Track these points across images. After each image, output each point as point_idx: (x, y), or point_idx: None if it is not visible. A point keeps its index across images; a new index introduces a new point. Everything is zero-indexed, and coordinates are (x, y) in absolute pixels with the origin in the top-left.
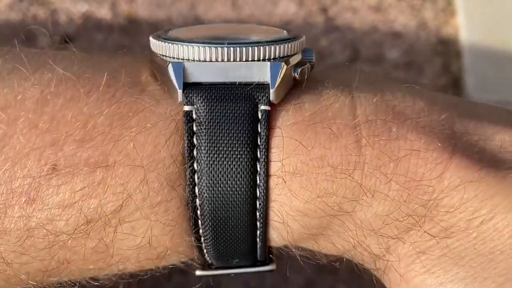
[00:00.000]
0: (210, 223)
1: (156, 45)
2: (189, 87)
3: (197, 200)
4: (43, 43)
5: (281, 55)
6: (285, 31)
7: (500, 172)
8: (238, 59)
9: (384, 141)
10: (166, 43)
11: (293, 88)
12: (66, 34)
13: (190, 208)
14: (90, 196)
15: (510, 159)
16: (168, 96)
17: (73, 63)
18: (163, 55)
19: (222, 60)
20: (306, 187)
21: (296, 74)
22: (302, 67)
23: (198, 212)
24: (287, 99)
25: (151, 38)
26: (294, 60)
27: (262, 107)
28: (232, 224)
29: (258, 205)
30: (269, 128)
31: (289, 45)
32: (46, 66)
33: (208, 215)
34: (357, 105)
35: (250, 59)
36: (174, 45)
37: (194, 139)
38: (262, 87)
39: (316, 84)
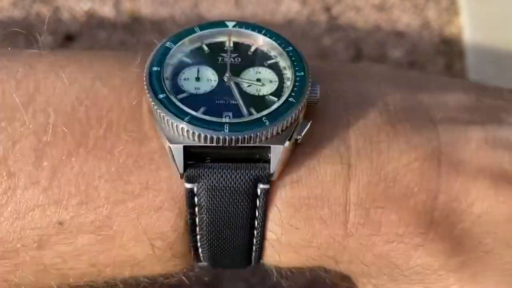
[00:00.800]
0: None
1: (157, 112)
2: (190, 167)
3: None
4: (46, 41)
5: (284, 129)
6: (288, 81)
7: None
8: (239, 144)
9: (367, 232)
10: (166, 117)
11: (293, 153)
12: (68, 32)
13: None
14: (98, 252)
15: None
16: (167, 161)
17: (67, 95)
18: (162, 125)
19: (223, 146)
20: (294, 258)
21: (299, 137)
22: (305, 129)
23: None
24: (286, 171)
25: (152, 99)
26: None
27: (262, 185)
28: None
29: (253, 257)
30: (267, 203)
31: (293, 115)
32: (40, 106)
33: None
34: (351, 183)
35: (251, 143)
36: (174, 124)
37: (196, 210)
38: (263, 165)
39: (314, 150)
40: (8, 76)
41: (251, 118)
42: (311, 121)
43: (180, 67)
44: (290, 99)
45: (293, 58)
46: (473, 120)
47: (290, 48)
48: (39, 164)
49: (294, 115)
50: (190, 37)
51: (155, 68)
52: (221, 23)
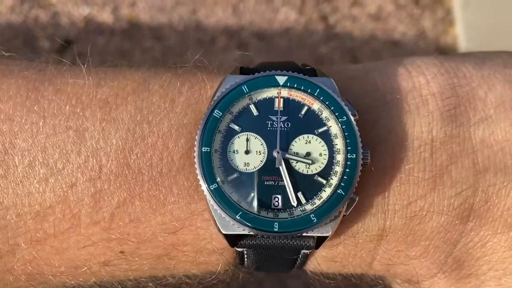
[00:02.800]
0: None
1: (208, 201)
2: (241, 238)
3: None
4: (44, 46)
5: (332, 219)
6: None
7: None
8: (286, 241)
9: (388, 270)
10: (219, 210)
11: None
12: (67, 37)
13: None
14: (156, 266)
15: None
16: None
17: (116, 139)
18: (214, 211)
19: (271, 238)
20: (332, 268)
21: (345, 213)
22: (352, 206)
23: None
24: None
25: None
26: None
27: (304, 251)
28: None
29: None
30: (307, 259)
31: (341, 210)
32: (91, 150)
33: None
34: (382, 243)
35: (298, 245)
36: (226, 218)
37: (244, 257)
38: (308, 239)
39: (356, 220)
40: (59, 112)
41: (300, 215)
42: (358, 197)
43: (229, 135)
44: (339, 190)
45: (346, 133)
46: None
47: (344, 118)
48: (98, 208)
49: (341, 209)
50: (238, 99)
51: (204, 149)
52: (271, 79)
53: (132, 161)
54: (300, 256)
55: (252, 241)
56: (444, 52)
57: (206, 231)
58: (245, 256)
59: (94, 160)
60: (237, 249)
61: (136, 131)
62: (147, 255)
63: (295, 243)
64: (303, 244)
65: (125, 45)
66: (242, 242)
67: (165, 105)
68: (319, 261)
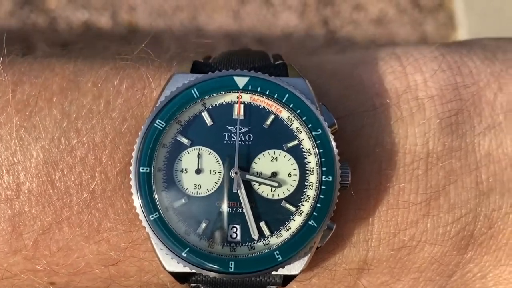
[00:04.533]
0: None
1: (150, 237)
2: (192, 275)
3: None
4: (42, 50)
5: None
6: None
7: None
8: (247, 278)
9: None
10: (160, 246)
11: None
12: (65, 42)
13: None
14: None
15: None
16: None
17: (37, 153)
18: (156, 248)
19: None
20: None
21: (319, 246)
22: (327, 237)
23: None
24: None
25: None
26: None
27: (270, 287)
28: None
29: None
30: None
31: (312, 244)
32: (6, 165)
33: None
34: (363, 276)
35: (262, 281)
36: (169, 256)
37: None
38: (272, 275)
39: (332, 253)
40: None
41: (261, 252)
42: (335, 225)
43: (176, 150)
44: (311, 222)
45: (320, 150)
46: None
47: (319, 131)
48: (18, 234)
49: (314, 243)
50: (187, 106)
51: (143, 169)
52: (228, 80)
53: (57, 178)
54: None
55: (206, 277)
56: None
57: (151, 263)
58: None
59: (10, 177)
60: (190, 284)
61: (61, 141)
62: (83, 287)
63: (258, 279)
64: (268, 280)
65: (123, 50)
66: (194, 278)
67: (98, 109)
68: None
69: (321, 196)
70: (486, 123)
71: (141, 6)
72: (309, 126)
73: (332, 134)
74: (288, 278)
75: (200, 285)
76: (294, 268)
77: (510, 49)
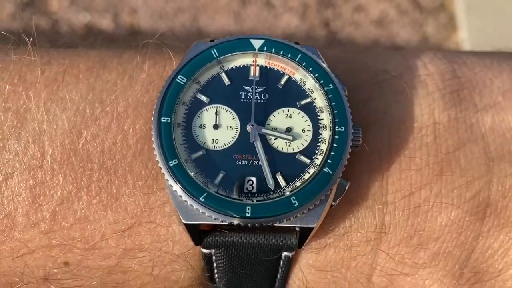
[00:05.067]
0: None
1: (168, 183)
2: (207, 234)
3: None
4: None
5: (317, 204)
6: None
7: None
8: (262, 237)
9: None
10: (179, 193)
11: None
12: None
13: None
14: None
15: None
16: (182, 231)
17: (62, 121)
18: (173, 197)
19: (244, 231)
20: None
21: (333, 204)
22: (342, 195)
23: None
24: (314, 236)
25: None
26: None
27: (286, 253)
28: None
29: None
30: (290, 266)
31: (328, 192)
32: (32, 135)
33: None
34: (382, 246)
35: (276, 225)
36: (187, 202)
37: (214, 267)
38: (288, 236)
39: (347, 214)
40: None
41: (277, 198)
42: (349, 183)
43: (195, 107)
44: (326, 169)
45: (332, 103)
46: None
47: (330, 86)
48: (37, 205)
49: (329, 191)
50: (207, 65)
51: (164, 119)
52: (245, 42)
53: (80, 146)
54: (281, 262)
55: (221, 238)
56: None
57: (167, 230)
58: (214, 263)
59: (35, 146)
60: (203, 250)
61: (86, 111)
62: (96, 266)
63: (273, 240)
64: (283, 241)
65: None
66: (208, 240)
67: (122, 82)
68: (306, 273)
69: (334, 145)
70: (487, 101)
71: (142, 8)
72: (321, 82)
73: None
74: (304, 233)
75: (213, 250)
76: (310, 220)
77: (496, 53)
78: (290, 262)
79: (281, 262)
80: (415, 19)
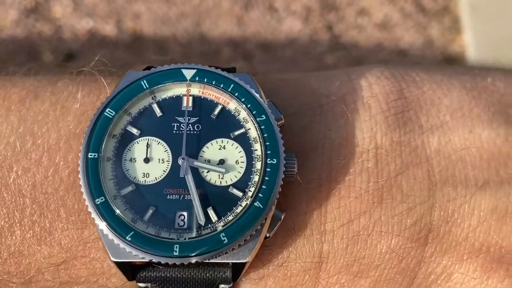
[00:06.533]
0: None
1: (95, 222)
2: (141, 269)
3: None
4: (47, 59)
5: (248, 238)
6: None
7: None
8: (196, 271)
9: None
10: (105, 232)
11: (260, 249)
12: (70, 50)
13: None
14: None
15: None
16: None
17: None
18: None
19: (180, 266)
20: None
21: (268, 236)
22: (276, 226)
23: None
24: (252, 266)
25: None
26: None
27: (222, 285)
28: None
29: None
30: None
31: (259, 227)
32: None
33: None
34: (321, 275)
35: (211, 276)
36: (114, 241)
37: None
38: (223, 267)
39: (284, 246)
40: None
41: (206, 235)
42: (284, 214)
43: (126, 140)
44: (256, 203)
45: (265, 135)
46: (482, 178)
47: (263, 117)
48: None
49: (259, 226)
50: (138, 95)
51: (91, 155)
52: (176, 72)
53: (11, 180)
54: None
55: (155, 273)
56: (453, 60)
57: (102, 264)
58: None
59: None
60: (139, 284)
61: (16, 145)
62: None
63: (207, 274)
64: (218, 275)
65: (128, 57)
66: (142, 275)
67: (54, 113)
68: None
69: (266, 178)
70: (433, 122)
71: (145, 14)
72: (254, 113)
73: (279, 127)
74: (238, 268)
75: (149, 284)
76: (242, 255)
77: (447, 67)
78: None
79: None
80: (419, 22)
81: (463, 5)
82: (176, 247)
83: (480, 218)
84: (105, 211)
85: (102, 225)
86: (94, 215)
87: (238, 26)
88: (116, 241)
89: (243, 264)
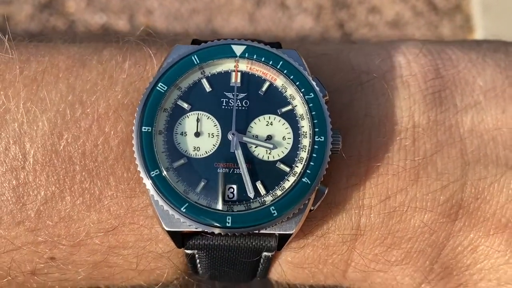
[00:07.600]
0: None
1: (149, 193)
2: (189, 237)
3: None
4: None
5: (296, 212)
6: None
7: None
8: (243, 240)
9: (363, 278)
10: (160, 203)
11: (304, 221)
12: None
13: None
14: (94, 276)
15: None
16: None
17: (42, 123)
18: (155, 206)
19: (226, 235)
20: (299, 278)
21: (312, 209)
22: (320, 200)
23: None
24: (291, 239)
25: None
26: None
27: (265, 253)
28: None
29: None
30: (270, 264)
31: (306, 202)
32: (13, 135)
33: None
34: (357, 246)
35: (257, 245)
36: (169, 212)
37: (197, 263)
38: (268, 237)
39: (325, 218)
40: None
41: (257, 208)
42: (327, 189)
43: (177, 114)
44: (304, 179)
45: (313, 113)
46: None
47: (311, 95)
48: (21, 205)
49: (307, 201)
50: (188, 71)
51: (145, 129)
52: (226, 48)
53: (61, 148)
54: (262, 260)
55: (203, 241)
56: None
57: (150, 231)
58: (197, 260)
59: (17, 147)
60: (186, 251)
61: (66, 113)
62: (82, 262)
63: (253, 243)
64: (263, 244)
65: None
66: (191, 243)
67: (102, 83)
68: (285, 268)
69: (314, 155)
70: (467, 101)
71: (158, 10)
72: (302, 90)
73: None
74: (283, 239)
75: (196, 251)
76: (288, 227)
77: (483, 43)
78: (270, 260)
79: (261, 260)
80: (430, 20)
81: (475, 3)
82: (229, 218)
83: (508, 196)
84: (160, 184)
85: (158, 197)
86: (149, 186)
87: (250, 22)
88: (171, 211)
89: (289, 235)
